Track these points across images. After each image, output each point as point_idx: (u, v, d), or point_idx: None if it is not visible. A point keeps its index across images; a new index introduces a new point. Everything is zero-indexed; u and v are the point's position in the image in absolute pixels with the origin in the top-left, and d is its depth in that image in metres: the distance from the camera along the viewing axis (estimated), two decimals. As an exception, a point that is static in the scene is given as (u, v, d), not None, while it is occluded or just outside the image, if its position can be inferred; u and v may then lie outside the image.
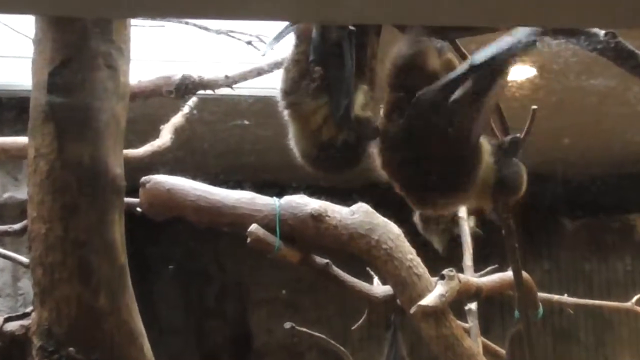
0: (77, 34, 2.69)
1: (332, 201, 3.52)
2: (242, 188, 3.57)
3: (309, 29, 2.68)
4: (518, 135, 2.80)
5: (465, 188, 2.69)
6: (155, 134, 4.46)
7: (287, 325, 3.01)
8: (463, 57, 2.79)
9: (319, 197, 3.53)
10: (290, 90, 2.70)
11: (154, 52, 5.08)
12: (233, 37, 4.52)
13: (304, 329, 3.09)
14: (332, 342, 3.11)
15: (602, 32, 2.53)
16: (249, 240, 3.37)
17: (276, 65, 3.93)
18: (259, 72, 4.18)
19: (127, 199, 3.41)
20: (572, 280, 7.80)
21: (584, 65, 2.85)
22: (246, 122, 4.46)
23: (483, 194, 2.76)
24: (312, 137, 2.67)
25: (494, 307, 4.30)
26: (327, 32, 2.64)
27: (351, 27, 2.60)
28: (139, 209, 3.52)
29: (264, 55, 3.27)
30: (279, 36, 2.75)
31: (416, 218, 3.16)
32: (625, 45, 2.55)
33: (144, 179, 3.47)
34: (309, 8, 1.54)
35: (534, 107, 2.92)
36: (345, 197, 3.61)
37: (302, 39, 2.70)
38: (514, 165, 2.77)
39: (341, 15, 1.58)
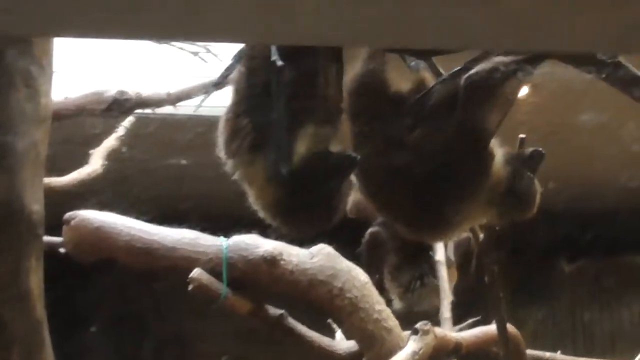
0: (-10, 49, 2.71)
1: (292, 241, 3.54)
2: (185, 225, 3.58)
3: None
4: (541, 149, 2.87)
5: (472, 196, 2.75)
6: (84, 159, 4.47)
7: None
8: (436, 74, 2.87)
9: (275, 237, 3.55)
10: (227, 152, 2.77)
11: (82, 62, 5.09)
12: (177, 47, 4.55)
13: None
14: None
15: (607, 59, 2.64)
16: (191, 287, 3.38)
17: (227, 81, 3.97)
18: (206, 89, 4.20)
19: (49, 238, 3.42)
20: (570, 333, 7.86)
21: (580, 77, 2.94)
22: (183, 162, 4.48)
23: (490, 206, 2.82)
24: (267, 202, 2.72)
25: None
26: (251, 75, 2.70)
27: (278, 62, 2.63)
28: (62, 250, 3.52)
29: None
30: (221, 77, 2.83)
31: (388, 268, 3.22)
32: (630, 71, 2.65)
33: (68, 214, 3.47)
34: (261, 27, 1.59)
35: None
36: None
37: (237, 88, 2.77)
38: (529, 179, 2.84)
39: (296, 36, 1.62)
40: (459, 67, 2.71)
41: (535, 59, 2.70)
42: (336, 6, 1.43)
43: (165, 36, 1.67)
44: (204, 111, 3.42)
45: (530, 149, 2.86)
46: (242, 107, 2.72)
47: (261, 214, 2.77)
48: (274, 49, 2.67)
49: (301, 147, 2.63)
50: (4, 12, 1.51)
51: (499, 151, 2.79)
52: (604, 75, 2.62)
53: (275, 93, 2.62)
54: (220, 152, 2.83)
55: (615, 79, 2.62)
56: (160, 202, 4.03)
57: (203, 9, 1.51)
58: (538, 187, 2.87)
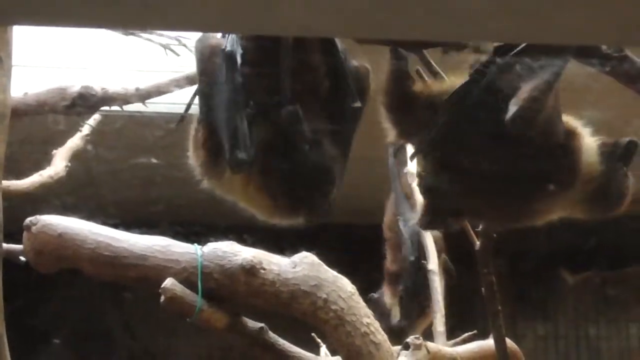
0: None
1: (271, 248, 3.55)
2: (156, 231, 3.58)
3: None
4: (636, 139, 2.90)
5: (558, 192, 2.81)
6: (45, 160, 4.47)
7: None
8: (428, 66, 2.90)
9: (255, 242, 3.56)
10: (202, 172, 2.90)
11: (45, 56, 5.09)
12: (146, 39, 4.55)
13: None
14: None
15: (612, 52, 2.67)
16: (163, 298, 3.38)
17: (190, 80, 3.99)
18: (178, 85, 4.21)
19: (8, 246, 3.42)
20: (574, 349, 7.90)
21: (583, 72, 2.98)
22: (154, 160, 4.48)
23: (580, 202, 2.87)
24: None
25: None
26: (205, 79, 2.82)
27: (228, 49, 2.75)
28: (22, 258, 3.51)
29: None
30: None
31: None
32: (637, 64, 2.68)
33: (29, 220, 3.46)
34: (237, 17, 1.60)
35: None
36: (286, 245, 3.63)
37: None
38: (622, 175, 2.88)
39: (278, 26, 1.64)
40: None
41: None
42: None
43: (136, 24, 1.67)
44: (176, 108, 3.44)
45: (626, 139, 2.90)
46: (203, 118, 2.90)
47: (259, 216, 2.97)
48: (228, 38, 2.82)
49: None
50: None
51: (591, 143, 2.83)
52: (607, 69, 2.64)
53: (226, 80, 2.77)
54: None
55: (619, 73, 2.64)
56: (128, 206, 4.04)
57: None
58: (631, 182, 2.91)
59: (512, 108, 2.71)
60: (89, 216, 3.55)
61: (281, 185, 3.01)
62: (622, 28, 1.76)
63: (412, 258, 4.36)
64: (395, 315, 4.45)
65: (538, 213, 2.93)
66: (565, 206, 2.93)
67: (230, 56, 3.00)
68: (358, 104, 3.13)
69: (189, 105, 3.23)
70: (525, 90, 2.73)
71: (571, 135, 2.86)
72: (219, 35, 3.08)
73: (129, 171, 4.90)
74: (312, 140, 3.00)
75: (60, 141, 4.55)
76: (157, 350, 7.65)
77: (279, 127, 2.99)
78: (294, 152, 2.99)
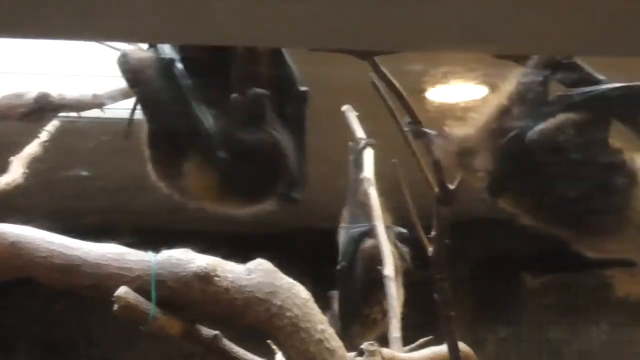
0: None
1: (224, 257, 3.55)
2: (111, 239, 3.57)
3: None
4: None
5: (605, 228, 2.85)
6: (2, 167, 4.45)
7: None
8: (380, 75, 2.91)
9: (208, 252, 3.56)
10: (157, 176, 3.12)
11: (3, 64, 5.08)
12: (104, 44, 4.54)
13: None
14: None
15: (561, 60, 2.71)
16: (116, 306, 3.37)
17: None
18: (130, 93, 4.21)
19: (-37, 254, 3.41)
20: (536, 352, 7.93)
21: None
22: (84, 174, 4.48)
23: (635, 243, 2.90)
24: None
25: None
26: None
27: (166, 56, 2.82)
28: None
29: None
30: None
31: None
32: (585, 73, 2.71)
33: (-19, 228, 3.46)
34: (176, 27, 1.61)
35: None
36: (241, 249, 3.63)
37: None
38: None
39: (213, 36, 1.64)
40: None
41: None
42: (252, 5, 1.44)
43: (74, 36, 1.68)
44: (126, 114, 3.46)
45: None
46: (153, 127, 2.99)
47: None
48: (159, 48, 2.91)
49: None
50: None
51: None
52: (557, 77, 2.67)
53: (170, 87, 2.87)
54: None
55: (568, 81, 2.68)
56: (84, 213, 4.03)
57: (115, 8, 1.53)
58: None
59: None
60: (43, 224, 3.54)
61: (237, 173, 3.07)
62: (575, 38, 1.77)
63: (342, 263, 4.39)
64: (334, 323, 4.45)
65: (586, 246, 2.97)
66: (622, 246, 2.96)
67: (168, 64, 3.08)
68: (304, 88, 3.20)
69: (131, 115, 3.27)
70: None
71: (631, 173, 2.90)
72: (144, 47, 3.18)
73: (85, 178, 4.89)
74: (266, 127, 3.07)
75: (16, 148, 4.53)
76: (116, 357, 7.63)
77: (232, 118, 3.06)
78: (248, 139, 3.06)
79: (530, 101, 2.88)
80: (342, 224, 4.56)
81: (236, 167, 3.11)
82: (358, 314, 4.07)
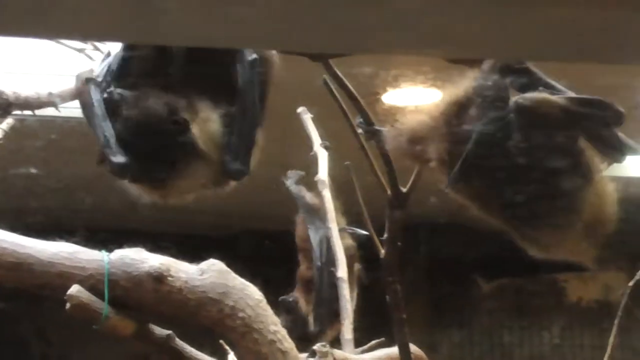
0: None
1: (178, 257, 3.54)
2: (66, 238, 3.55)
3: None
4: None
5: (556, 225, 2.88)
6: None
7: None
8: (335, 77, 2.92)
9: (162, 252, 3.55)
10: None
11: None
12: (60, 43, 4.52)
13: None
14: None
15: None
16: (68, 305, 3.36)
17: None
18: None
19: None
20: (489, 355, 7.96)
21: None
22: (34, 172, 4.47)
23: (589, 245, 2.93)
24: None
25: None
26: None
27: None
28: None
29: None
30: None
31: None
32: (536, 77, 2.74)
33: None
34: (128, 25, 1.61)
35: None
36: (198, 250, 3.63)
37: None
38: None
39: (162, 35, 1.65)
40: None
41: None
42: (204, 5, 1.45)
43: (21, 32, 1.67)
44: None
45: None
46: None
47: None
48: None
49: None
50: None
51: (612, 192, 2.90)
52: (508, 81, 2.70)
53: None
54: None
55: (518, 85, 2.70)
56: (38, 211, 4.00)
57: (68, 5, 1.53)
58: None
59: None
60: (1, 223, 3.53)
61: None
62: (522, 43, 1.79)
63: (318, 264, 4.39)
64: (312, 322, 4.46)
65: (538, 244, 2.99)
66: (569, 247, 2.98)
67: (90, 79, 3.34)
68: (254, 55, 3.19)
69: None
70: None
71: (590, 174, 2.92)
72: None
73: (41, 177, 4.87)
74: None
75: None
76: (73, 357, 7.60)
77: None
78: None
79: (486, 98, 2.90)
80: (309, 226, 4.58)
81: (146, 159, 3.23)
82: (335, 313, 4.06)
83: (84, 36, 1.76)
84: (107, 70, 3.37)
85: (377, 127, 3.07)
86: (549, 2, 1.65)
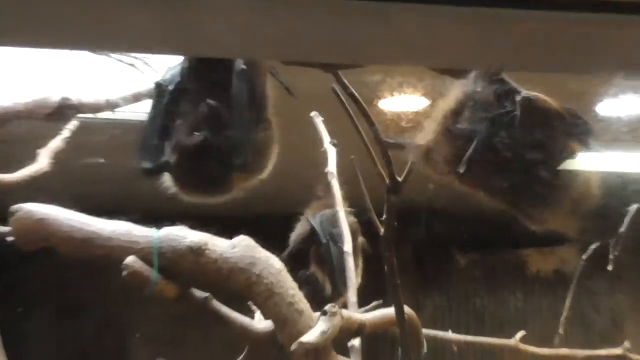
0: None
1: (213, 233, 3.53)
2: (122, 217, 3.55)
3: None
4: None
5: (546, 203, 2.88)
6: (31, 158, 4.41)
7: (159, 364, 3.02)
8: (344, 87, 2.90)
9: (201, 229, 3.54)
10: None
11: (31, 72, 5.03)
12: (116, 59, 4.50)
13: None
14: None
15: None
16: (125, 273, 3.36)
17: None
18: (137, 98, 4.20)
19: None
20: (464, 316, 7.95)
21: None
22: (102, 161, 4.45)
23: (573, 220, 2.93)
24: None
25: (381, 344, 4.36)
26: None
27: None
28: (9, 239, 3.47)
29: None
30: None
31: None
32: (506, 85, 2.71)
33: (13, 208, 3.42)
34: (178, 41, 1.60)
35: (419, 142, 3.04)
36: (228, 229, 3.62)
37: None
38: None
39: (209, 49, 1.64)
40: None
41: None
42: (243, 25, 1.43)
43: (98, 47, 1.66)
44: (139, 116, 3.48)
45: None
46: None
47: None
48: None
49: None
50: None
51: (594, 179, 2.90)
52: (479, 89, 2.69)
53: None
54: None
55: (490, 92, 2.68)
56: (100, 197, 4.00)
57: (130, 23, 1.51)
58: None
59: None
60: (65, 205, 3.52)
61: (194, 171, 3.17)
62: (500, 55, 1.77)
63: (324, 241, 4.39)
64: (328, 289, 4.45)
65: (531, 218, 3.01)
66: (557, 221, 3.01)
67: (158, 85, 3.32)
68: (244, 67, 3.19)
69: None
70: None
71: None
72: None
73: (99, 169, 4.86)
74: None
75: (42, 143, 4.50)
76: (124, 316, 7.58)
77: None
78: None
79: (478, 102, 2.90)
80: (311, 213, 4.58)
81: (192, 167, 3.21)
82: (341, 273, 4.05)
83: (130, 49, 1.74)
84: (173, 79, 3.33)
85: (399, 142, 3.09)
86: (520, 20, 1.64)
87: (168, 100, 3.26)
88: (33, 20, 1.48)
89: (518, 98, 2.85)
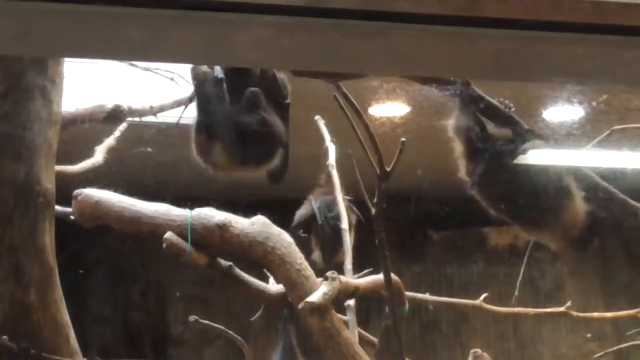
0: (16, 69, 2.65)
1: (236, 213, 3.50)
2: (162, 200, 3.52)
3: None
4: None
5: (545, 225, 2.84)
6: (89, 153, 4.38)
7: (192, 318, 2.98)
8: (344, 96, 2.85)
9: (225, 209, 3.51)
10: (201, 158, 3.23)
11: (91, 85, 4.99)
12: (158, 73, 4.47)
13: (207, 322, 3.06)
14: (230, 332, 3.09)
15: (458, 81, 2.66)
16: (164, 245, 3.33)
17: (190, 99, 3.95)
18: (178, 104, 4.16)
19: (62, 208, 3.36)
20: (437, 281, 7.91)
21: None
22: (149, 149, 4.41)
23: (565, 237, 2.90)
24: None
25: (369, 304, 4.32)
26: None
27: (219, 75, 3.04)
28: (72, 217, 3.45)
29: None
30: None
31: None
32: (474, 92, 2.66)
33: (75, 192, 3.40)
34: (209, 52, 1.55)
35: (403, 139, 2.99)
36: (247, 209, 3.58)
37: None
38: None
39: (235, 60, 1.59)
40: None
41: None
42: (264, 39, 1.39)
43: (140, 57, 1.62)
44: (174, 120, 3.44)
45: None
46: (200, 120, 2.97)
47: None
48: (217, 69, 2.93)
49: None
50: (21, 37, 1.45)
51: (580, 202, 2.87)
52: (457, 94, 2.64)
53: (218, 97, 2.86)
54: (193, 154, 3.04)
55: (464, 98, 2.64)
56: (142, 183, 3.95)
57: (169, 36, 1.47)
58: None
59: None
60: (119, 191, 3.50)
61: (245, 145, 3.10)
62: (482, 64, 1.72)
63: (320, 222, 4.35)
64: (319, 258, 4.42)
65: (531, 232, 2.98)
66: (552, 238, 2.98)
67: (220, 80, 3.15)
68: (287, 101, 3.22)
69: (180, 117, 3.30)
70: None
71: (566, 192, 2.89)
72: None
73: (143, 160, 4.83)
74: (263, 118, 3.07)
75: (99, 141, 4.47)
76: (163, 280, 7.57)
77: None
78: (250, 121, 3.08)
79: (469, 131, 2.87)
80: (314, 197, 4.54)
81: (244, 141, 3.15)
82: (336, 250, 4.00)
83: (181, 60, 1.70)
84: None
85: None
86: (481, 39, 1.59)
87: (215, 86, 3.17)
88: (101, 37, 1.45)
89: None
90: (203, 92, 3.17)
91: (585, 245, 3.01)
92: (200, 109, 3.17)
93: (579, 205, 2.94)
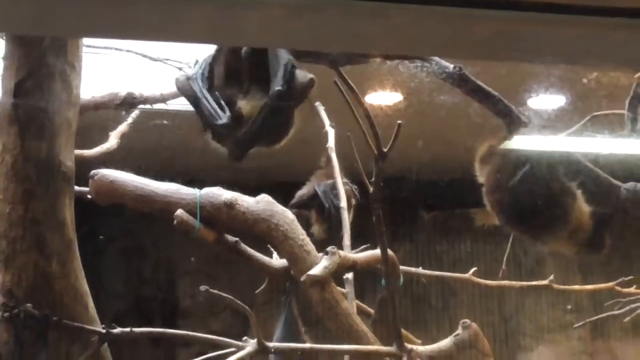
0: (37, 53, 2.62)
1: (241, 192, 3.47)
2: (172, 180, 3.49)
3: None
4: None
5: (554, 232, 2.87)
6: (104, 138, 4.35)
7: (202, 288, 2.95)
8: (344, 81, 2.81)
9: (232, 190, 3.48)
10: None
11: (105, 74, 4.95)
12: (168, 63, 4.43)
13: (216, 291, 3.03)
14: (238, 302, 3.06)
15: (451, 65, 2.62)
16: (175, 222, 3.29)
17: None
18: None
19: (80, 188, 3.33)
20: (427, 258, 7.91)
21: (437, 85, 2.94)
22: (165, 122, 4.37)
23: (572, 242, 2.90)
24: None
25: (366, 277, 4.30)
26: None
27: None
28: (89, 196, 3.42)
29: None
30: None
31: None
32: (465, 75, 2.62)
33: (92, 172, 3.37)
34: (223, 32, 1.50)
35: (399, 122, 2.95)
36: (252, 191, 3.55)
37: None
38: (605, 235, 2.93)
39: (245, 39, 1.54)
40: None
41: None
42: (272, 20, 1.35)
43: (154, 36, 1.58)
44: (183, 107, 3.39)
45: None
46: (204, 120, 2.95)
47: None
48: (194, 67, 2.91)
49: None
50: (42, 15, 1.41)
51: (583, 206, 2.87)
52: (451, 80, 2.60)
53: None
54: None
55: (458, 82, 2.60)
56: (154, 163, 3.92)
57: (181, 17, 1.43)
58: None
59: None
60: (130, 170, 3.46)
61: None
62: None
63: (326, 205, 4.33)
64: (320, 233, 4.39)
65: (542, 240, 3.00)
66: (560, 243, 3.01)
67: (189, 77, 3.12)
68: (281, 88, 2.97)
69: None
70: None
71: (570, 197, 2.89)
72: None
73: (157, 146, 4.79)
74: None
75: (113, 127, 4.43)
76: (173, 256, 7.56)
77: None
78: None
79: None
80: (315, 179, 4.52)
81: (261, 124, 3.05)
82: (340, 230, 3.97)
83: (180, 39, 1.66)
84: (201, 71, 3.17)
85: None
86: (480, 19, 1.55)
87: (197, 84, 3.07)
88: (116, 18, 1.41)
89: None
90: (191, 96, 3.11)
91: (599, 245, 3.01)
92: (198, 112, 3.11)
93: (583, 205, 2.95)
